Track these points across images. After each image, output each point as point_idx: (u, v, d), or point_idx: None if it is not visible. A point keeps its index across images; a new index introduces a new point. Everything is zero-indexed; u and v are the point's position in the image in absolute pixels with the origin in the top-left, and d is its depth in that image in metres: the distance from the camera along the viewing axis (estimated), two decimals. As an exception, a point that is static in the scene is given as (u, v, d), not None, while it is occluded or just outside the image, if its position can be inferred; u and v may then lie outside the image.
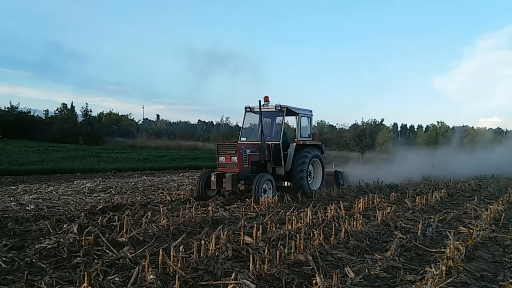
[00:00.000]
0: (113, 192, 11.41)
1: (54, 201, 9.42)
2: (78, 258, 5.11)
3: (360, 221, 7.27)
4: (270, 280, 4.60)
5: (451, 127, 49.93)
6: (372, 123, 49.77)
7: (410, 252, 6.03)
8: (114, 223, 6.84)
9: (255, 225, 6.31)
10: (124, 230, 6.18)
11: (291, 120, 12.66)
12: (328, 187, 12.47)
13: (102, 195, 10.77)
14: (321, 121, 62.79)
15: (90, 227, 6.42)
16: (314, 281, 4.43)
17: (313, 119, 12.39)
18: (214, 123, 59.87)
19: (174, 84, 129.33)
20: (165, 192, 11.30)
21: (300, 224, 7.09)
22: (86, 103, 54.62)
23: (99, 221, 6.86)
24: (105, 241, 5.71)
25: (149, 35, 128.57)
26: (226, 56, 77.01)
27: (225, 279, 4.46)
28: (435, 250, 6.16)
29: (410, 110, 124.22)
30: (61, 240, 5.70)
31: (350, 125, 51.78)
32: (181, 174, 17.47)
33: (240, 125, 12.37)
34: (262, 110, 10.77)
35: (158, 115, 75.32)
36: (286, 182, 11.54)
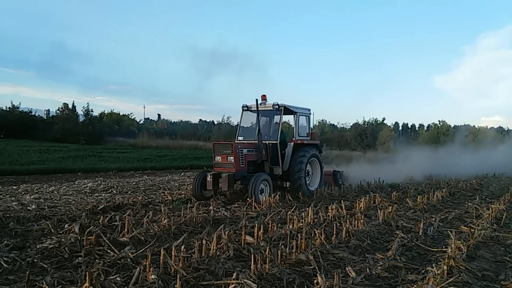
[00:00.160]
0: (115, 191, 11.41)
1: (55, 201, 9.43)
2: (79, 258, 5.12)
3: (362, 220, 7.27)
4: (272, 280, 4.60)
5: (452, 126, 49.94)
6: (373, 122, 49.89)
7: (412, 251, 6.03)
8: (116, 223, 6.85)
9: (257, 224, 6.30)
10: (126, 230, 6.19)
11: (290, 119, 12.58)
12: (328, 187, 12.42)
13: (103, 195, 10.78)
14: (322, 120, 62.96)
15: (92, 227, 6.43)
16: (315, 281, 4.43)
17: (311, 118, 12.31)
18: (215, 122, 59.91)
19: (175, 83, 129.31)
20: (166, 191, 11.29)
21: (301, 224, 7.09)
22: (88, 103, 54.87)
23: (100, 221, 6.87)
24: (107, 241, 5.72)
25: (150, 35, 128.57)
26: (227, 56, 76.87)
27: (227, 279, 4.46)
28: (436, 249, 6.16)
29: (411, 109, 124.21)
30: (63, 240, 5.70)
31: (351, 124, 51.91)
32: (182, 174, 17.48)
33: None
34: (259, 109, 10.59)
35: (159, 115, 75.25)
36: (287, 183, 11.47)
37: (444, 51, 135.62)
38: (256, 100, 10.58)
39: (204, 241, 5.39)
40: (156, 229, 6.48)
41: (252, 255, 4.77)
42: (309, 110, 12.05)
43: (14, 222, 6.91)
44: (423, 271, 5.08)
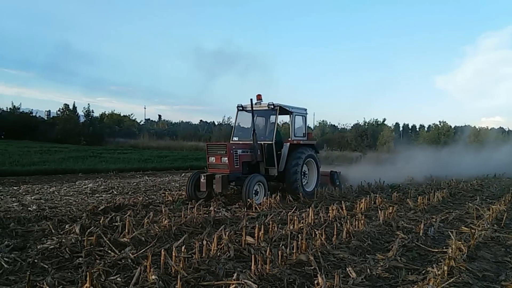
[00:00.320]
0: (115, 192, 11.42)
1: (56, 202, 9.44)
2: (80, 259, 5.12)
3: (362, 221, 7.26)
4: (272, 280, 4.60)
5: (453, 126, 49.94)
6: (374, 123, 49.78)
7: (412, 252, 6.03)
8: (116, 224, 6.85)
9: (257, 225, 6.30)
10: (126, 231, 6.19)
11: (287, 119, 12.43)
12: (328, 187, 12.39)
13: (104, 195, 10.78)
14: (323, 121, 62.82)
15: (92, 227, 6.44)
16: (316, 281, 4.43)
17: (307, 118, 12.09)
18: (216, 123, 59.92)
19: (176, 84, 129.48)
20: (167, 192, 11.28)
21: (302, 224, 7.09)
22: (88, 104, 54.93)
23: (101, 222, 6.88)
24: (107, 241, 5.72)
25: (151, 35, 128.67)
26: (227, 56, 76.97)
27: (227, 280, 4.46)
28: (437, 250, 6.15)
29: (412, 110, 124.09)
30: (63, 240, 5.71)
31: (352, 125, 51.83)
32: (183, 175, 17.48)
33: None
34: (254, 108, 10.37)
35: (160, 116, 75.38)
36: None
37: (444, 51, 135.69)
38: (251, 99, 10.33)
39: (204, 242, 5.39)
40: (157, 230, 6.48)
41: (253, 256, 4.77)
42: (305, 110, 11.82)
43: (14, 223, 6.92)
44: (423, 272, 5.07)
